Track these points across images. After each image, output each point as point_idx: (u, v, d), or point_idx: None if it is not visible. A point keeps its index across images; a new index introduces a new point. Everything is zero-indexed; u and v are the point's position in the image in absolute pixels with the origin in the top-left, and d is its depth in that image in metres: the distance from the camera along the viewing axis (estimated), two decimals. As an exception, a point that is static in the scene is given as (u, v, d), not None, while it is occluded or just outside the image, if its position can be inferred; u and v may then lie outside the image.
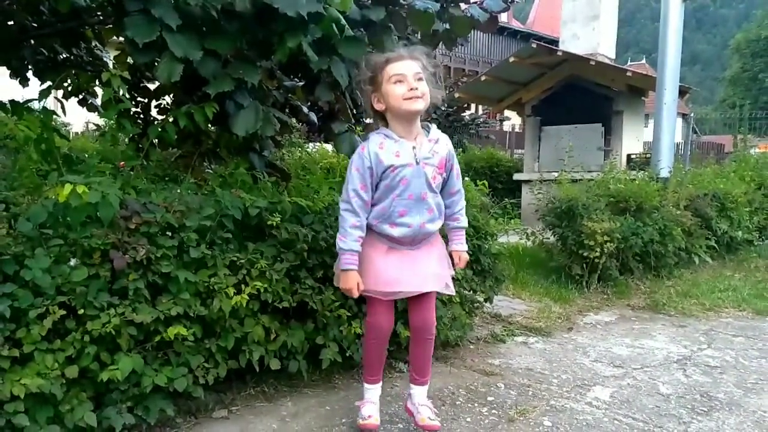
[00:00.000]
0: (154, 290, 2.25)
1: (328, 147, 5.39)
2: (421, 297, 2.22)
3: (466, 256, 2.37)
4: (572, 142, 7.56)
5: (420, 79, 2.09)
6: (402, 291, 2.18)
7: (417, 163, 2.13)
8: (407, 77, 2.07)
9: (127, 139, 3.19)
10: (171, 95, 3.36)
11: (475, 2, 3.36)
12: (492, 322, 3.94)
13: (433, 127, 2.24)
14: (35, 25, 3.31)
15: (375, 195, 2.16)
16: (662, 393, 2.86)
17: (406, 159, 2.12)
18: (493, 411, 2.59)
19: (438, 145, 2.20)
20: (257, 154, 3.37)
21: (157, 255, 2.21)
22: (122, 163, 2.65)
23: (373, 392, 2.34)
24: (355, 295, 2.17)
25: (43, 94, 2.82)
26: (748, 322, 4.25)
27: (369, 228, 2.18)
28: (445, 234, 2.40)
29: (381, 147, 2.12)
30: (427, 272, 2.20)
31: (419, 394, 2.34)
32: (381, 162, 2.11)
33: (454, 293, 2.39)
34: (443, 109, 13.25)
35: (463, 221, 2.34)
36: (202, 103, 2.69)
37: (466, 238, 2.97)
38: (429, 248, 2.25)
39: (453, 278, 2.36)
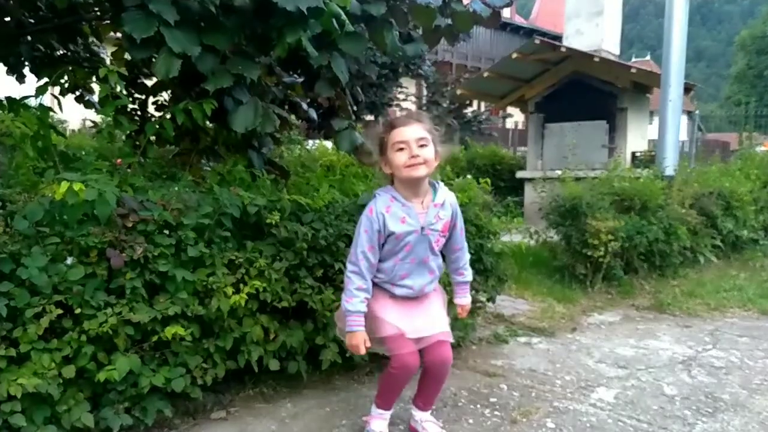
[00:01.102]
0: (152, 289, 2.23)
1: (328, 144, 5.36)
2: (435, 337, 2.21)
3: (468, 308, 2.44)
4: (576, 139, 7.54)
5: (423, 145, 2.08)
6: (423, 336, 2.16)
7: (422, 230, 2.14)
8: (409, 143, 2.07)
9: (124, 136, 3.16)
10: (169, 91, 3.33)
11: (478, -3, 3.32)
12: (495, 322, 3.91)
13: (441, 187, 2.23)
14: (32, 21, 3.29)
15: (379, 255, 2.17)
16: (667, 394, 2.82)
17: (411, 226, 2.12)
18: (496, 412, 2.56)
19: (443, 210, 2.19)
20: (256, 151, 3.34)
21: (155, 253, 2.19)
22: (119, 160, 2.62)
23: (383, 415, 2.30)
24: (362, 352, 2.14)
25: (40, 91, 2.79)
26: (754, 322, 4.21)
27: (374, 284, 2.18)
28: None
29: (388, 210, 2.12)
30: (435, 317, 2.22)
31: (422, 415, 2.33)
32: (387, 227, 2.11)
33: (452, 341, 2.34)
34: (445, 106, 13.22)
35: (468, 276, 2.38)
36: (201, 99, 2.67)
37: (469, 239, 2.95)
38: (430, 297, 2.27)
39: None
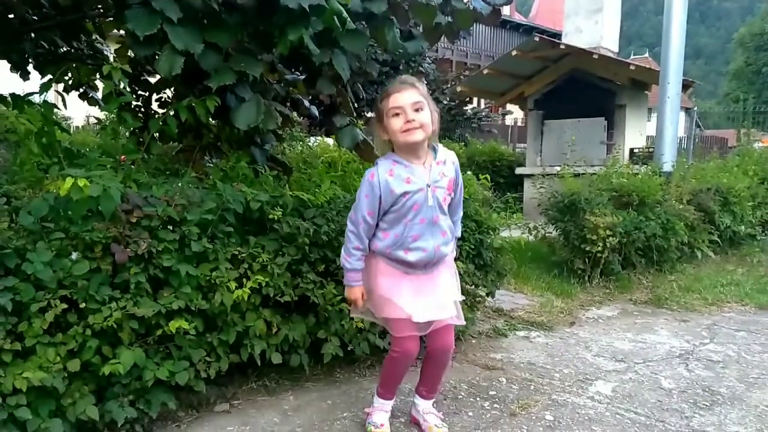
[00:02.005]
0: (156, 284, 2.25)
1: (330, 141, 5.37)
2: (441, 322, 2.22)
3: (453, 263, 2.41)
4: (575, 136, 7.54)
5: (419, 109, 2.09)
6: (429, 320, 2.17)
7: (428, 187, 2.14)
8: (405, 109, 2.08)
9: (128, 133, 3.18)
10: (172, 88, 3.35)
11: (478, -5, 3.34)
12: (494, 316, 3.93)
13: (440, 147, 2.24)
14: (36, 18, 3.30)
15: (387, 222, 2.17)
16: (664, 387, 2.85)
17: (416, 184, 2.13)
18: (495, 405, 2.59)
19: (446, 166, 2.20)
20: (258, 147, 3.36)
21: (159, 249, 2.21)
22: (123, 156, 2.64)
23: (385, 405, 2.33)
24: (360, 305, 2.21)
25: (44, 88, 2.81)
26: (751, 317, 4.24)
27: (384, 257, 2.19)
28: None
29: (391, 174, 2.13)
30: (446, 300, 2.21)
31: (424, 404, 2.35)
32: (392, 191, 2.11)
33: (464, 323, 2.38)
34: (445, 103, 13.22)
35: (458, 231, 2.38)
36: (204, 96, 2.68)
37: (469, 234, 2.97)
38: (441, 270, 2.25)
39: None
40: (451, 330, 2.26)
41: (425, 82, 16.26)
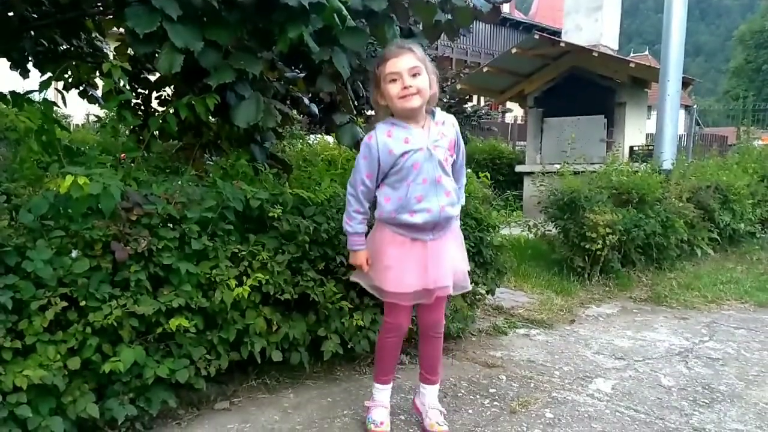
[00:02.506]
0: (156, 282, 2.25)
1: (330, 139, 5.38)
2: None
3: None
4: (575, 133, 7.55)
5: (416, 74, 2.08)
6: (426, 289, 2.16)
7: (428, 146, 2.12)
8: (402, 74, 2.07)
9: (127, 131, 3.18)
10: (172, 86, 3.35)
11: (478, -8, 3.33)
12: (494, 314, 3.94)
13: (438, 110, 2.22)
14: (35, 16, 3.29)
15: (389, 186, 2.15)
16: (664, 385, 2.86)
17: (415, 144, 2.11)
18: (495, 403, 2.59)
19: (445, 127, 2.19)
20: (258, 145, 3.36)
21: (159, 246, 2.21)
22: (123, 154, 2.64)
23: (384, 394, 2.33)
24: (366, 269, 2.22)
25: (44, 86, 2.81)
26: (750, 315, 4.24)
27: (390, 225, 2.17)
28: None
29: (389, 135, 2.12)
30: (446, 271, 2.19)
31: (431, 394, 2.34)
32: (391, 151, 2.10)
33: (470, 288, 2.40)
34: (445, 101, 13.20)
35: (462, 199, 2.36)
36: (203, 94, 2.68)
37: (469, 231, 2.97)
38: (448, 239, 2.22)
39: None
40: (441, 306, 2.27)
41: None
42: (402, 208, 2.13)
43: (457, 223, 2.29)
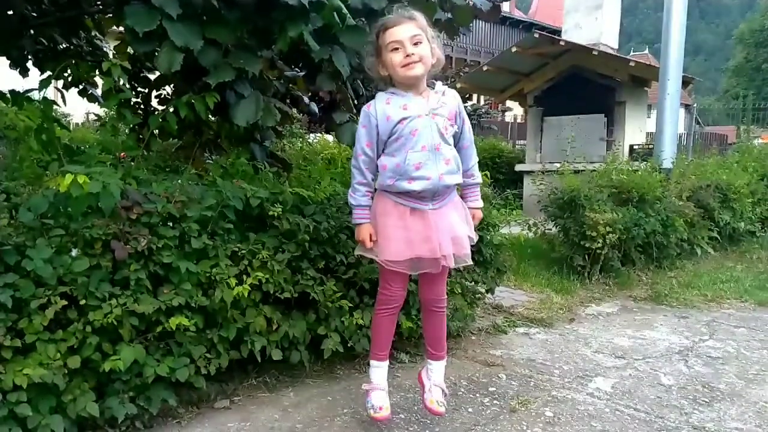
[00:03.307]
0: (156, 280, 2.25)
1: (330, 137, 5.38)
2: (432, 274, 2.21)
3: (480, 214, 2.36)
4: (574, 132, 7.54)
5: (417, 43, 2.06)
6: (422, 260, 2.13)
7: (427, 114, 2.11)
8: (403, 43, 2.06)
9: (127, 130, 3.18)
10: (171, 85, 3.35)
11: (478, -9, 3.33)
12: (493, 313, 3.94)
13: (438, 83, 2.22)
14: (35, 14, 3.29)
15: (388, 152, 2.13)
16: (664, 384, 2.86)
17: (414, 110, 2.10)
18: (495, 401, 2.59)
19: (445, 97, 2.18)
20: (258, 144, 3.37)
21: (159, 245, 2.21)
22: (123, 153, 2.64)
23: (380, 373, 2.29)
24: (369, 244, 2.17)
25: (43, 84, 2.80)
26: (750, 313, 4.24)
27: (387, 191, 2.16)
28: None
29: (388, 102, 2.12)
30: (446, 238, 2.14)
31: (437, 370, 2.34)
32: (389, 118, 2.09)
33: (470, 262, 2.33)
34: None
35: (478, 177, 2.34)
36: (203, 93, 2.68)
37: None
38: (449, 209, 2.19)
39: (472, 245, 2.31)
40: (442, 280, 2.27)
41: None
42: (400, 175, 2.11)
43: (458, 197, 2.27)
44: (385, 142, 2.13)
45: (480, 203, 2.36)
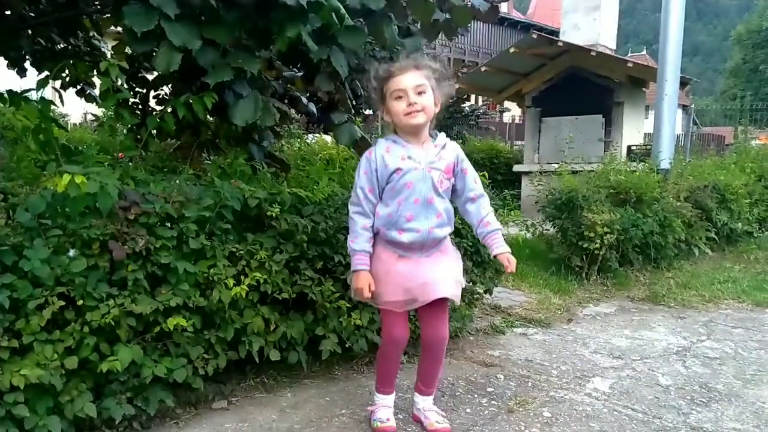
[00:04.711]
0: (154, 281, 2.24)
1: (328, 138, 5.38)
2: (434, 308, 2.19)
3: (513, 258, 2.20)
4: (572, 133, 7.56)
5: (421, 93, 2.10)
6: (416, 299, 2.15)
7: (423, 167, 2.14)
8: (407, 92, 2.08)
9: (125, 130, 3.17)
10: (169, 85, 3.34)
11: (476, -8, 3.33)
12: (492, 313, 3.94)
13: (441, 135, 2.24)
14: (33, 14, 3.29)
15: (383, 199, 2.16)
16: (661, 384, 2.86)
17: (411, 163, 2.13)
18: (493, 402, 2.59)
19: (445, 150, 2.20)
20: (256, 144, 3.36)
21: (156, 246, 2.20)
22: (121, 153, 2.64)
23: (386, 400, 2.33)
24: (366, 294, 2.14)
25: (41, 84, 2.80)
26: (748, 314, 4.25)
27: (378, 237, 2.18)
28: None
29: (387, 151, 2.14)
30: (437, 277, 2.17)
31: (425, 401, 2.35)
32: (387, 166, 2.12)
33: (458, 303, 2.37)
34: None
35: (495, 224, 2.24)
36: (201, 93, 2.67)
37: (467, 231, 2.95)
38: (440, 256, 2.22)
39: (462, 288, 2.33)
40: (444, 320, 2.25)
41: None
42: (391, 224, 2.14)
43: (448, 242, 2.28)
44: (382, 189, 2.15)
45: (505, 248, 2.20)
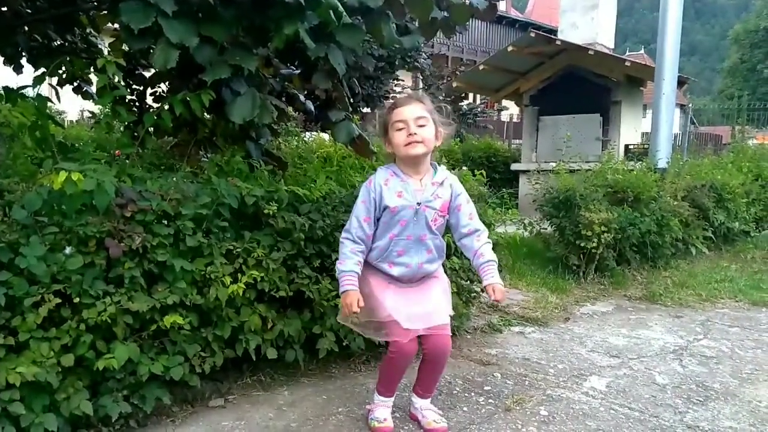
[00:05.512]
0: (150, 279, 2.24)
1: (325, 136, 5.36)
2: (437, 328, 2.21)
3: (500, 288, 2.17)
4: (570, 132, 7.54)
5: (422, 125, 2.13)
6: (417, 329, 2.15)
7: (418, 205, 2.16)
8: (408, 123, 2.12)
9: (122, 127, 3.16)
10: (167, 82, 3.33)
11: (474, -10, 3.32)
12: (489, 312, 3.94)
13: (441, 168, 2.26)
14: (29, 11, 3.27)
15: (375, 231, 2.19)
16: (658, 383, 2.86)
17: (407, 201, 2.15)
18: (490, 400, 2.59)
19: (442, 188, 2.21)
20: (254, 142, 3.35)
21: (153, 243, 2.20)
22: (118, 151, 2.63)
23: (386, 402, 2.33)
24: (356, 310, 2.10)
25: (37, 81, 2.79)
26: (744, 313, 4.26)
27: (367, 264, 2.21)
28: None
29: (386, 183, 2.17)
30: (429, 309, 2.20)
31: (423, 401, 2.35)
32: (383, 199, 2.15)
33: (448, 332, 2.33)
34: (441, 98, 13.21)
35: (488, 255, 2.21)
36: (199, 90, 2.67)
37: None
38: (430, 283, 2.26)
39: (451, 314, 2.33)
40: (447, 334, 2.25)
41: (421, 77, 16.33)
42: (383, 257, 2.20)
43: (439, 272, 2.32)
44: (377, 217, 2.18)
45: (495, 279, 2.17)
